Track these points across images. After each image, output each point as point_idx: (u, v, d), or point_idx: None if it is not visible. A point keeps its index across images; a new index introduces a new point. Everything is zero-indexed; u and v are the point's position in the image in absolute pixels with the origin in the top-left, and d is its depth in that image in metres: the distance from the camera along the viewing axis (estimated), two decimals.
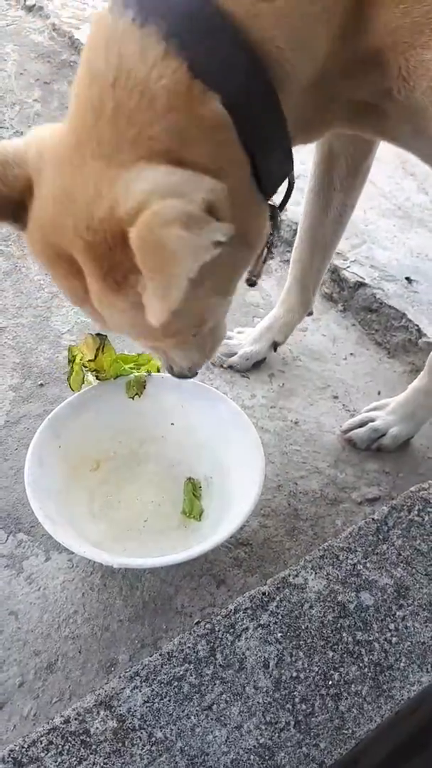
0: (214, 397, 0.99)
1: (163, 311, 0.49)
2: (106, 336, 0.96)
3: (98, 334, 0.96)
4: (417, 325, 1.20)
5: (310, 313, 1.20)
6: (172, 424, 1.00)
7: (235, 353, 1.19)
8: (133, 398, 0.99)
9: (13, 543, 0.92)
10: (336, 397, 1.17)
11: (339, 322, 1.31)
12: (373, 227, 1.41)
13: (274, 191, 0.66)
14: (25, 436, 1.05)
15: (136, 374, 1.00)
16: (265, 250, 0.73)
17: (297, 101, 0.61)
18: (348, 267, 1.31)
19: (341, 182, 0.97)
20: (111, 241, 0.52)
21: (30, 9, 2.45)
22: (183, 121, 0.53)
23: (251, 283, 0.78)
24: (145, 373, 1.01)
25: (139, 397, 1.00)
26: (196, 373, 0.82)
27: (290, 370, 1.22)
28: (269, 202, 0.66)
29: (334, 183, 0.98)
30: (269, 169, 0.62)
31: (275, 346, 1.19)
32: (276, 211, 0.68)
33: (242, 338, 1.21)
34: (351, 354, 1.25)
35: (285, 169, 0.65)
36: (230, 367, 1.20)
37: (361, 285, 1.29)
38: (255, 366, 1.20)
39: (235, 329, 1.25)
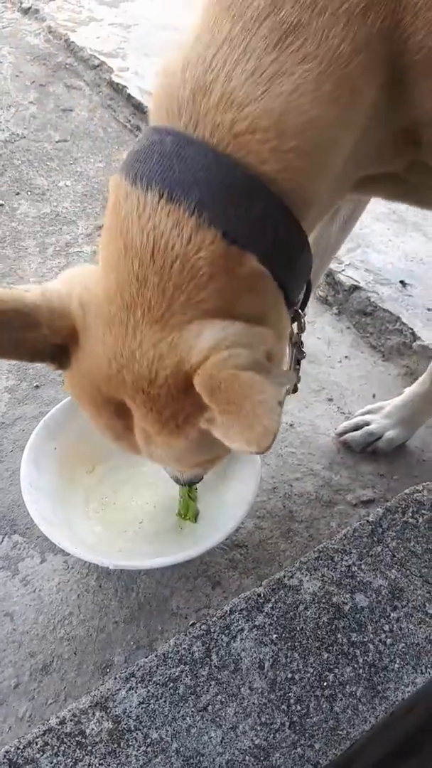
0: None
1: (265, 435, 0.49)
2: None
3: None
4: (411, 329, 1.21)
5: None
6: None
7: None
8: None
9: (8, 545, 0.92)
10: (331, 400, 1.18)
11: (334, 325, 1.32)
12: (368, 231, 1.42)
13: (297, 303, 0.69)
14: (21, 438, 1.05)
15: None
16: (294, 353, 0.76)
17: (316, 211, 0.64)
18: (343, 270, 1.31)
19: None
20: (175, 393, 0.56)
21: (26, 11, 2.45)
22: (226, 284, 0.56)
23: (294, 390, 0.81)
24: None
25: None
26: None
27: None
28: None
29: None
30: (296, 288, 0.65)
31: None
32: (299, 314, 0.71)
33: None
34: (346, 357, 1.26)
35: (307, 278, 0.68)
36: None
37: (355, 288, 1.29)
38: None
39: None
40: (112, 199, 0.58)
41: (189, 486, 0.88)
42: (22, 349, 0.61)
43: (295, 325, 0.72)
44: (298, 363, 0.78)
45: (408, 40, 0.55)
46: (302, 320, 0.72)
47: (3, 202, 1.56)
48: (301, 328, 0.72)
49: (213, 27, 0.56)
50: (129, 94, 1.93)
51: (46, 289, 0.61)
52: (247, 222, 0.56)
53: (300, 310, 0.71)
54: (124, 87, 1.95)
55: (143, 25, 2.37)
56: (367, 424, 1.08)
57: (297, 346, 0.75)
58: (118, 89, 1.97)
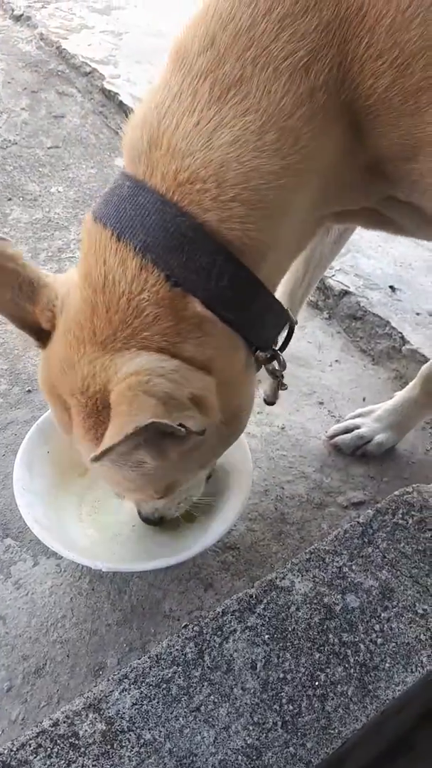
0: None
1: (99, 452, 0.54)
2: None
3: None
4: (400, 333, 1.22)
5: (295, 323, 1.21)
6: None
7: None
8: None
9: (0, 548, 0.92)
10: (321, 403, 1.19)
11: (324, 330, 1.33)
12: (358, 237, 1.44)
13: (271, 345, 0.72)
14: (13, 442, 1.05)
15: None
16: (275, 381, 0.79)
17: (277, 255, 0.66)
18: (333, 276, 1.33)
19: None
20: (99, 407, 0.62)
21: (18, 19, 2.47)
22: (171, 326, 0.60)
23: (269, 403, 0.88)
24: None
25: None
26: (161, 519, 0.86)
27: None
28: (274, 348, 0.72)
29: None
30: (261, 334, 0.69)
31: None
32: (277, 353, 0.73)
33: None
34: (336, 361, 1.27)
35: (280, 323, 0.71)
36: None
37: (345, 293, 1.31)
38: None
39: None
40: (83, 231, 0.64)
41: (149, 522, 0.87)
42: (20, 315, 0.66)
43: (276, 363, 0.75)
44: (278, 388, 0.82)
45: (358, 88, 0.58)
46: (281, 359, 0.74)
47: None
48: (282, 365, 0.75)
49: (169, 80, 0.60)
50: (120, 101, 1.94)
51: (57, 278, 0.67)
52: (190, 267, 0.59)
53: (279, 351, 0.74)
54: (116, 94, 1.97)
55: (134, 32, 2.39)
56: (358, 427, 1.09)
57: (278, 379, 0.79)
58: (109, 96, 1.99)
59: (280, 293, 1.16)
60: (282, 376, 0.79)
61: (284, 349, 0.76)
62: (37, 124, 1.90)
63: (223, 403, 0.66)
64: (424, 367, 1.04)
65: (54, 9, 2.52)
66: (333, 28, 0.56)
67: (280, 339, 0.76)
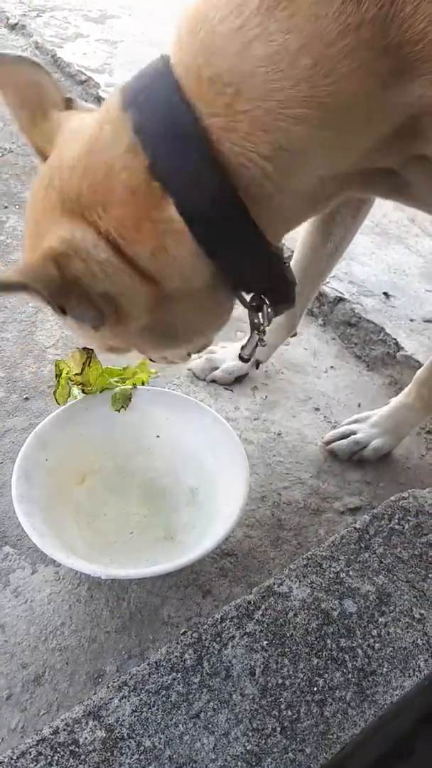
0: (199, 409, 1.01)
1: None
2: (92, 350, 0.97)
3: (85, 348, 0.98)
4: (395, 339, 1.24)
5: (294, 334, 1.22)
6: (158, 436, 1.01)
7: (218, 367, 1.21)
8: (119, 411, 1.01)
9: None
10: (317, 409, 1.19)
11: (319, 336, 1.34)
12: (352, 245, 1.44)
13: (255, 290, 0.70)
14: (11, 450, 1.06)
15: (122, 387, 1.02)
16: (257, 335, 0.77)
17: (287, 205, 0.62)
18: (327, 282, 1.34)
19: (343, 218, 0.98)
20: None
21: (13, 27, 2.48)
22: (132, 219, 0.57)
23: (244, 360, 0.83)
24: (130, 387, 1.02)
25: (125, 409, 1.01)
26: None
27: (273, 382, 1.24)
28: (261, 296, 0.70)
29: (336, 218, 1.00)
30: (243, 275, 0.65)
31: (257, 363, 1.21)
32: (262, 300, 0.71)
33: (225, 353, 1.23)
34: (331, 367, 1.28)
35: (271, 274, 0.67)
36: (213, 380, 1.22)
37: (340, 300, 1.32)
38: (238, 380, 1.22)
39: (219, 343, 1.27)
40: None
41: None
42: (28, 121, 0.66)
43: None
44: (256, 345, 0.80)
45: (408, 31, 0.54)
46: (266, 310, 0.72)
47: None
48: (267, 319, 0.73)
49: None
50: None
51: (69, 117, 0.65)
52: (177, 166, 0.56)
53: (266, 300, 0.71)
54: None
55: (129, 41, 2.40)
56: (354, 433, 1.10)
57: (260, 333, 0.77)
58: None
59: None
60: (263, 332, 0.76)
61: (278, 303, 0.72)
62: None
63: (170, 317, 0.65)
64: (419, 372, 1.05)
65: (49, 18, 2.53)
66: None
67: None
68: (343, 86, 0.55)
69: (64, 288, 0.57)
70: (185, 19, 0.58)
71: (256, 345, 0.80)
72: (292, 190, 0.61)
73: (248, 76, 0.54)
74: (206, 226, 0.59)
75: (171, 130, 0.56)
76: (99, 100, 2.02)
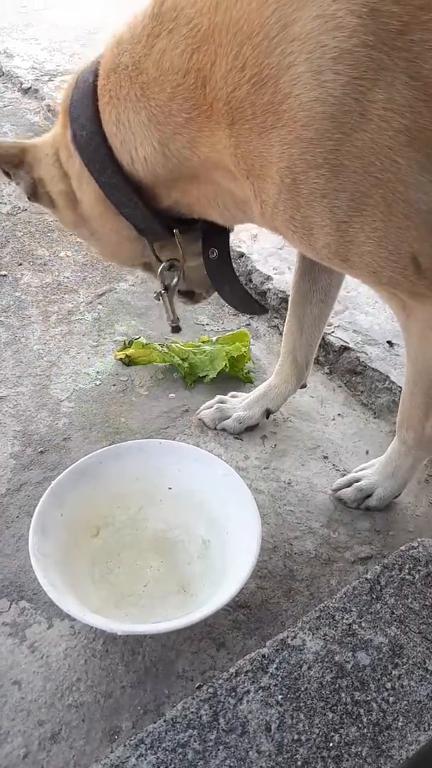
0: (209, 460, 1.03)
1: None
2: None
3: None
4: (400, 387, 1.26)
5: (304, 386, 1.24)
6: (170, 488, 1.04)
7: (229, 416, 1.24)
8: (190, 385, 1.34)
9: (15, 611, 0.94)
10: (326, 457, 1.21)
11: (326, 384, 1.37)
12: (354, 293, 1.49)
13: (143, 233, 0.89)
14: (27, 504, 1.08)
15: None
16: (166, 295, 0.96)
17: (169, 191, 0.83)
18: (332, 332, 1.38)
19: (326, 267, 1.01)
20: None
21: (26, 91, 2.61)
22: (65, 159, 0.87)
23: (173, 330, 1.03)
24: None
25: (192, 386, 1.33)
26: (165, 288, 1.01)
27: (281, 431, 1.27)
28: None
29: (319, 264, 1.04)
30: (125, 213, 0.86)
31: (268, 413, 1.24)
32: (176, 264, 0.93)
33: (236, 402, 1.26)
34: (339, 415, 1.31)
35: (138, 216, 0.86)
36: (223, 429, 1.24)
37: (345, 349, 1.35)
38: (247, 429, 1.24)
39: (229, 393, 1.30)
40: None
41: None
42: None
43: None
44: (172, 309, 1.00)
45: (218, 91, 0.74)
46: (180, 272, 0.94)
47: (6, 273, 1.63)
48: (177, 279, 0.95)
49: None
50: None
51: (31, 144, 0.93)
52: (77, 123, 0.82)
53: (177, 260, 0.92)
54: None
55: None
56: (358, 480, 1.11)
57: (168, 292, 0.97)
58: None
59: (282, 353, 1.20)
60: (171, 292, 0.97)
61: (209, 246, 0.92)
62: None
63: (90, 225, 0.91)
64: (397, 416, 1.05)
65: (60, 82, 2.66)
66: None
67: None
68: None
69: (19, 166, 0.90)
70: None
71: (171, 307, 0.98)
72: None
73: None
74: (97, 175, 0.83)
75: (80, 96, 0.82)
76: None
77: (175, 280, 0.94)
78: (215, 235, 0.91)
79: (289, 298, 1.13)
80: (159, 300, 0.99)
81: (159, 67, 0.73)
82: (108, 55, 0.79)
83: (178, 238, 0.87)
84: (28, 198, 0.95)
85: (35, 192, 0.93)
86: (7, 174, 0.92)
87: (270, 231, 0.81)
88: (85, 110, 0.80)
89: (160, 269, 0.92)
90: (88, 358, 1.40)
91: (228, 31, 0.67)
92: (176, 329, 1.02)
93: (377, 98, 0.62)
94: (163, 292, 0.96)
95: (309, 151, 0.66)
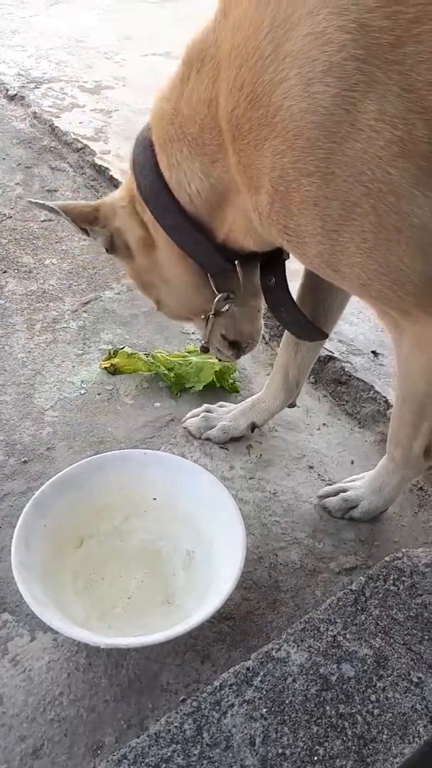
0: (195, 471, 1.03)
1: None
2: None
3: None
4: (384, 397, 1.27)
5: (292, 405, 1.23)
6: (155, 499, 1.03)
7: (214, 426, 1.24)
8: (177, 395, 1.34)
9: None
10: (311, 467, 1.22)
11: (311, 394, 1.38)
12: None
13: (207, 268, 0.95)
14: (9, 515, 1.07)
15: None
16: (210, 317, 1.02)
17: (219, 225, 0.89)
18: None
19: (329, 285, 1.00)
20: None
21: (12, 98, 2.60)
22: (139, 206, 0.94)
23: (203, 350, 1.12)
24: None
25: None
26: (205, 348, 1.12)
27: (267, 440, 1.27)
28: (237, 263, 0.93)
29: (324, 286, 1.04)
30: (189, 251, 0.92)
31: (253, 427, 1.24)
32: (231, 298, 0.98)
33: (223, 412, 1.26)
34: (324, 424, 1.31)
35: (201, 252, 0.92)
36: (208, 439, 1.24)
37: (330, 359, 1.36)
38: (233, 438, 1.24)
39: (217, 403, 1.30)
40: None
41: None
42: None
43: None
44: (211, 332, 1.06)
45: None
46: (236, 297, 1.00)
47: None
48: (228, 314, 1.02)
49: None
50: (111, 176, 2.03)
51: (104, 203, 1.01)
52: (145, 184, 0.90)
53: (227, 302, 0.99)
54: (107, 169, 2.06)
55: (123, 110, 2.52)
56: (344, 491, 1.11)
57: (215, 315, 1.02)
58: (100, 171, 2.08)
59: (274, 368, 1.20)
60: (215, 317, 1.03)
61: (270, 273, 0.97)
62: (31, 197, 1.98)
63: (157, 272, 1.00)
64: (388, 432, 1.05)
65: (46, 89, 2.66)
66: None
67: None
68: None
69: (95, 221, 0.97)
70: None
71: (211, 330, 1.05)
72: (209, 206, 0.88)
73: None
74: (161, 220, 0.90)
75: (144, 168, 0.88)
76: (94, 166, 2.11)
77: (226, 307, 1.00)
78: (272, 264, 0.97)
79: None
80: (205, 347, 1.09)
81: (190, 104, 0.79)
82: (154, 107, 0.86)
83: (239, 269, 0.93)
84: (106, 251, 1.01)
85: (112, 244, 1.00)
86: (84, 231, 0.99)
87: (273, 242, 0.84)
88: (145, 161, 0.87)
89: (217, 298, 0.98)
90: (73, 366, 1.39)
91: (231, 56, 0.71)
92: (206, 350, 1.12)
93: (368, 109, 0.63)
94: (212, 315, 1.01)
95: (300, 159, 0.68)
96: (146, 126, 0.89)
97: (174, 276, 0.98)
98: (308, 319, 1.01)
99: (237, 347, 1.10)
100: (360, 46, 0.62)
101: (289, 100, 0.66)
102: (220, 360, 1.22)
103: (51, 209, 0.96)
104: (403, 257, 0.71)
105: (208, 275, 0.95)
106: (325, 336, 1.07)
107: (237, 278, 0.94)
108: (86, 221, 0.97)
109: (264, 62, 0.67)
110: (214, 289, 0.97)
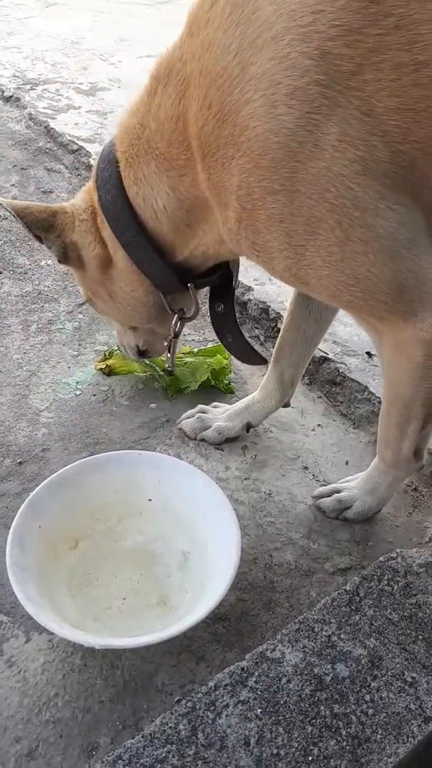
0: (190, 472, 1.03)
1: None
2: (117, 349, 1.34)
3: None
4: (378, 398, 1.27)
5: (287, 405, 1.24)
6: (150, 500, 1.03)
7: (209, 426, 1.24)
8: (172, 396, 1.35)
9: None
10: (306, 468, 1.22)
11: (306, 395, 1.38)
12: None
13: (161, 288, 0.96)
14: (4, 516, 1.07)
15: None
16: (172, 342, 1.07)
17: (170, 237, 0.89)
18: None
19: None
20: None
21: (8, 100, 2.60)
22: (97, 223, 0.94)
23: (168, 373, 1.19)
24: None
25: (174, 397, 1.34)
26: (142, 353, 1.19)
27: (262, 441, 1.27)
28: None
29: None
30: (144, 269, 0.93)
31: (248, 427, 1.24)
32: (191, 288, 0.96)
33: (218, 413, 1.26)
34: (319, 425, 1.31)
35: (157, 271, 0.93)
36: (203, 439, 1.24)
37: (325, 360, 1.36)
38: (228, 439, 1.24)
39: (212, 403, 1.30)
40: None
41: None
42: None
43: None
44: (171, 352, 1.10)
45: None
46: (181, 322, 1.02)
47: None
48: (184, 319, 1.03)
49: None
50: None
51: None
52: (107, 197, 0.89)
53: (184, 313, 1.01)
54: None
55: (118, 112, 2.52)
56: (339, 491, 1.12)
57: (175, 339, 1.07)
58: None
59: (270, 368, 1.20)
60: (175, 339, 1.07)
61: (221, 295, 1.01)
62: (26, 199, 1.99)
63: (111, 285, 0.99)
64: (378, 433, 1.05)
65: (42, 91, 2.66)
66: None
67: None
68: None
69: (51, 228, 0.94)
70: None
71: (173, 352, 1.10)
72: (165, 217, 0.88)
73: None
74: (120, 235, 0.90)
75: (107, 183, 0.88)
76: (90, 168, 2.11)
77: (179, 328, 1.04)
78: (222, 291, 0.99)
79: (285, 313, 1.13)
80: (168, 352, 1.10)
81: (157, 119, 0.79)
82: (122, 121, 0.86)
83: (192, 291, 0.95)
84: (59, 261, 0.99)
85: (66, 255, 0.97)
86: (38, 238, 0.95)
87: (242, 256, 0.87)
88: (110, 176, 0.87)
89: (174, 319, 1.01)
90: (69, 368, 1.39)
91: (200, 75, 0.72)
92: (171, 373, 1.19)
93: (331, 131, 0.66)
94: (173, 339, 1.05)
95: (266, 178, 0.70)
96: (111, 141, 0.89)
97: (126, 292, 0.98)
98: (251, 346, 1.06)
99: (143, 354, 1.19)
100: (322, 72, 0.64)
101: (255, 120, 0.68)
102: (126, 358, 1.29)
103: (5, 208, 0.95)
104: (371, 267, 0.72)
105: (161, 294, 0.97)
106: (265, 362, 1.13)
107: (189, 299, 0.97)
108: (41, 228, 0.93)
109: (231, 83, 0.69)
110: (168, 308, 0.99)
